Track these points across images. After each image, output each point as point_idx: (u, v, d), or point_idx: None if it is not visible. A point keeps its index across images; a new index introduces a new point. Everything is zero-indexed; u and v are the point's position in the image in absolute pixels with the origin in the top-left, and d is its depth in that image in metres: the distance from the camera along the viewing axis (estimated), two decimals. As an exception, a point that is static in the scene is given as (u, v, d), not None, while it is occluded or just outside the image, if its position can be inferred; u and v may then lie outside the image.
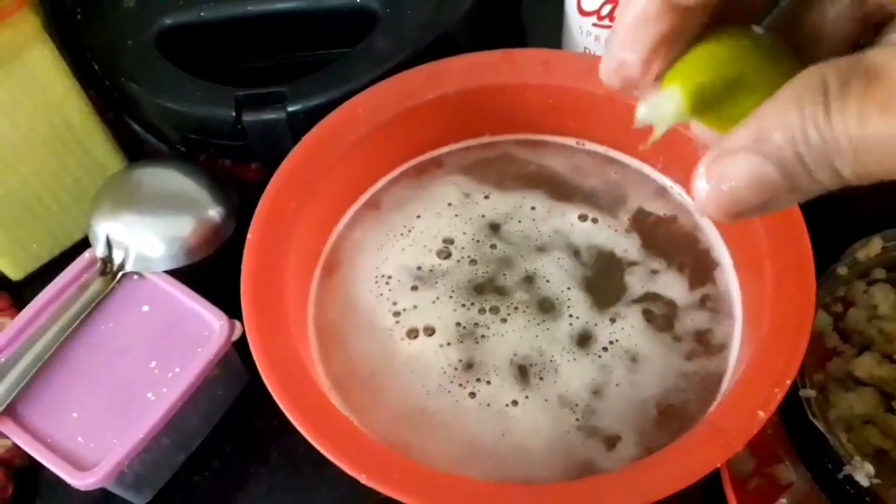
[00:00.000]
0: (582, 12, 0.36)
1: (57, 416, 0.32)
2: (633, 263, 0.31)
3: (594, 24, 0.36)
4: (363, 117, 0.32)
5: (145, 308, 0.35)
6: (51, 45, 0.36)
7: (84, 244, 0.38)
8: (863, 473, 0.28)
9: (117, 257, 0.36)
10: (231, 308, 0.34)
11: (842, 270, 0.34)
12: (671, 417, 0.27)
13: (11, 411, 0.32)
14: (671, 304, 0.30)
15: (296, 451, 0.36)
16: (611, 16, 0.35)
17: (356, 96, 0.32)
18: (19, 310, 0.39)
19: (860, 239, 0.34)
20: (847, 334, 0.34)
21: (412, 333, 0.30)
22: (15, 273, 0.41)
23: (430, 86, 0.33)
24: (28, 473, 0.35)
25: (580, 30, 0.36)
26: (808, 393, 0.30)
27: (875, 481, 0.28)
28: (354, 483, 0.24)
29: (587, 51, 0.37)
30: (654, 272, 0.31)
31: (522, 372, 0.29)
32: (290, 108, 0.35)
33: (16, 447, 0.32)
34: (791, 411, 0.29)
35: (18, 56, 0.35)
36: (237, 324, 0.34)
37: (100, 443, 0.31)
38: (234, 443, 0.37)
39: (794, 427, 0.29)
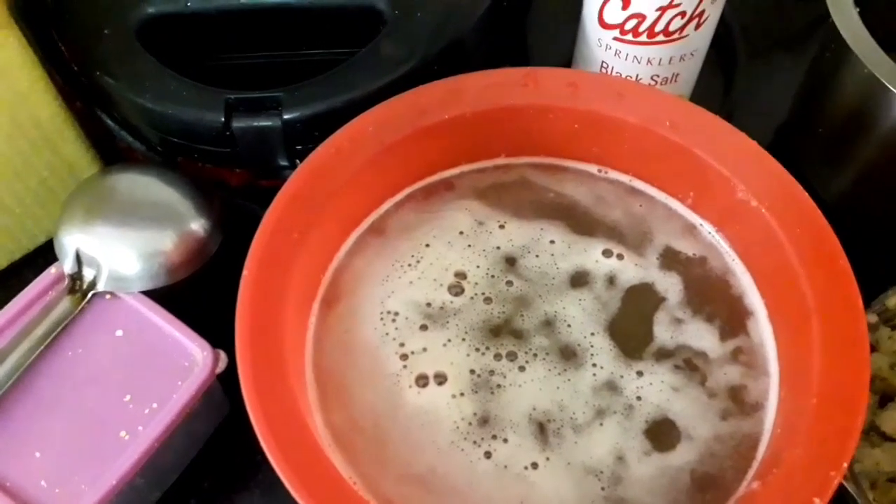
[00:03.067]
0: (603, 24, 0.33)
1: (16, 456, 0.29)
2: (661, 307, 0.29)
3: (615, 38, 0.33)
4: (372, 136, 0.29)
5: (119, 333, 0.31)
6: (16, 32, 0.32)
7: (47, 248, 0.34)
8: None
9: (88, 274, 0.32)
10: (215, 335, 0.31)
11: (871, 318, 0.32)
12: (706, 487, 0.25)
13: (-36, 449, 0.28)
14: (703, 356, 0.28)
15: (280, 487, 0.33)
16: (635, 31, 0.32)
17: (365, 113, 0.29)
18: (-26, 320, 0.36)
19: (892, 287, 0.32)
20: (872, 381, 0.33)
21: (421, 380, 0.27)
22: (-31, 279, 0.37)
23: (447, 104, 0.30)
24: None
25: (599, 43, 0.34)
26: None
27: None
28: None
29: (605, 65, 0.34)
30: (684, 318, 0.29)
31: (541, 429, 0.26)
32: (285, 116, 0.32)
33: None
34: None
35: (-21, 44, 0.31)
36: (222, 354, 0.31)
37: (66, 488, 0.28)
38: (213, 478, 0.34)
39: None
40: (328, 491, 0.23)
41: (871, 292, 0.33)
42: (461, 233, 0.31)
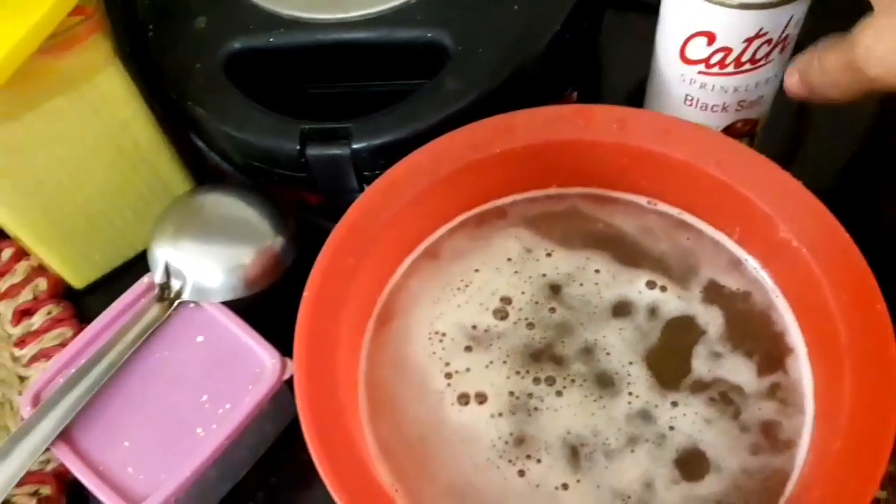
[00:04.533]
0: (686, 61, 0.33)
1: (110, 444, 0.32)
2: (701, 340, 0.30)
3: (700, 73, 0.33)
4: (426, 169, 0.31)
5: (200, 339, 0.35)
6: (121, 69, 0.36)
7: (144, 255, 0.38)
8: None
9: (175, 285, 0.36)
10: (284, 343, 0.34)
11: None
12: (730, 520, 0.26)
13: (66, 435, 0.32)
14: (738, 390, 0.29)
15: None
16: (721, 63, 0.33)
17: (420, 149, 0.31)
18: (80, 320, 0.41)
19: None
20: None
21: (463, 399, 0.29)
22: (77, 282, 0.42)
23: (498, 140, 0.31)
24: (79, 487, 0.36)
25: (682, 78, 0.34)
26: (879, 494, 0.28)
27: None
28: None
29: (689, 98, 0.35)
30: (723, 352, 0.30)
31: (574, 452, 0.28)
32: (354, 145, 0.35)
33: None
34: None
35: (89, 79, 0.35)
36: (289, 362, 0.34)
37: (148, 475, 0.32)
38: (279, 474, 0.37)
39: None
40: (368, 496, 0.25)
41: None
42: (509, 259, 0.32)
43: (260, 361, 0.34)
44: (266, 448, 0.37)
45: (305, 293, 0.28)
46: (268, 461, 0.37)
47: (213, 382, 0.34)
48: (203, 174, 0.42)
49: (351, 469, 0.25)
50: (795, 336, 0.29)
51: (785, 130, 0.42)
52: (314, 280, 0.28)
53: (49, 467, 0.36)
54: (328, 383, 0.27)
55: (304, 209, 0.40)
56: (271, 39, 0.38)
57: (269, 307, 0.36)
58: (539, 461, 0.28)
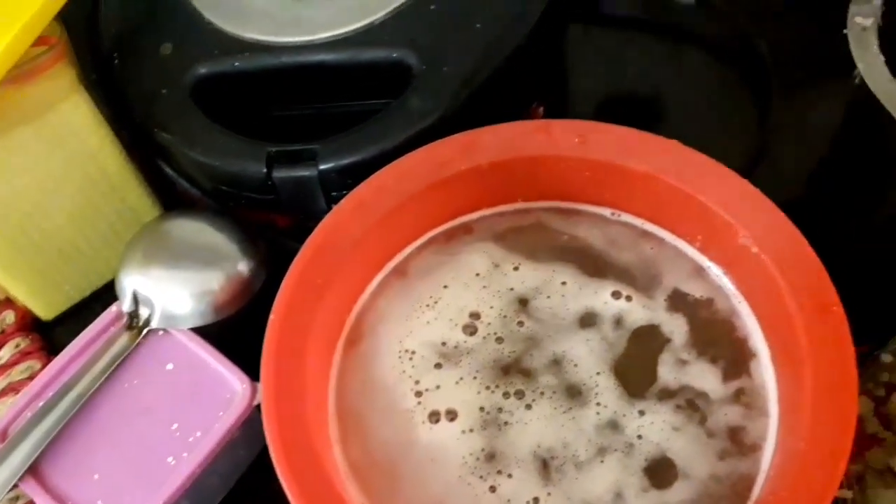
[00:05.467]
0: None
1: (79, 477, 0.32)
2: (666, 348, 0.30)
3: None
4: (393, 189, 0.31)
5: (169, 366, 0.35)
6: (86, 97, 0.36)
7: (114, 284, 0.38)
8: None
9: (143, 313, 0.36)
10: (254, 368, 0.33)
11: (886, 358, 0.32)
12: (700, 526, 0.26)
13: (34, 470, 0.32)
14: (704, 397, 0.29)
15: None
16: None
17: (385, 168, 0.31)
18: (49, 351, 0.40)
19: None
20: (889, 421, 0.33)
21: (434, 417, 0.29)
22: (46, 313, 0.42)
23: (463, 157, 0.32)
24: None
25: None
26: (846, 494, 0.29)
27: None
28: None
29: None
30: (689, 359, 0.30)
31: (545, 465, 0.28)
32: (321, 166, 0.35)
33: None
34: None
35: (53, 108, 0.35)
36: (259, 387, 0.34)
37: (118, 507, 0.31)
38: (253, 502, 0.36)
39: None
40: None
41: (890, 332, 0.33)
42: (478, 274, 0.33)
43: (230, 387, 0.34)
44: (240, 475, 0.36)
45: (272, 315, 0.28)
46: (242, 488, 0.36)
47: (184, 410, 0.33)
48: (173, 200, 0.42)
49: (320, 492, 0.25)
50: (758, 341, 0.30)
51: (748, 139, 0.43)
52: (281, 302, 0.28)
53: None
54: (296, 406, 0.27)
55: (274, 232, 0.40)
56: (236, 64, 0.38)
57: (239, 332, 0.36)
58: (510, 476, 0.28)
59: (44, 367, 0.36)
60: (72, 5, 0.34)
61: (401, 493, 0.28)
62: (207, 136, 0.37)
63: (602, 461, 0.28)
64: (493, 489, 0.28)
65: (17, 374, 0.39)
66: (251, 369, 0.34)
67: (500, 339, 0.31)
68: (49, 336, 0.41)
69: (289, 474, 0.25)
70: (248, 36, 0.39)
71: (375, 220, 0.31)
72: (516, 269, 0.33)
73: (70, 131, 0.36)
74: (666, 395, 0.29)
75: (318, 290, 0.29)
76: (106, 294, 0.41)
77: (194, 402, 0.33)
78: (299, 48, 0.38)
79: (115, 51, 0.40)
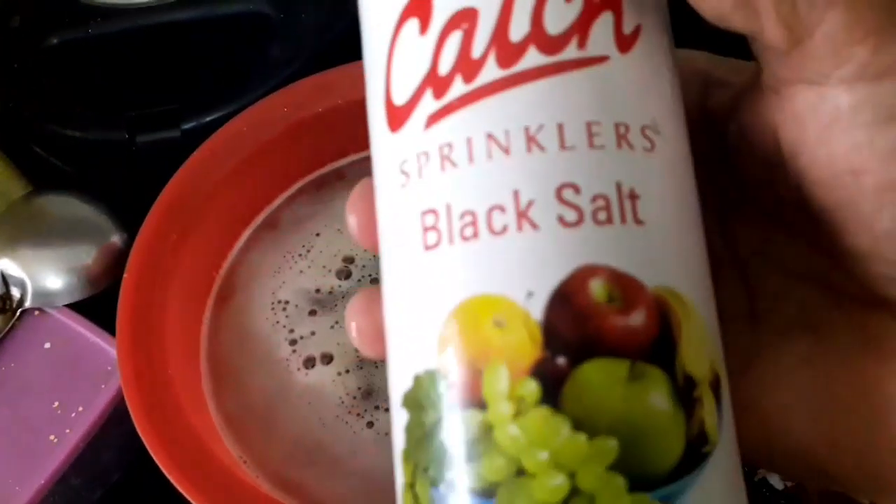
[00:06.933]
0: None
1: (-44, 465, 0.31)
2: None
3: None
4: (247, 136, 0.30)
5: (47, 345, 0.34)
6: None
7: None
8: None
9: (15, 293, 0.34)
10: (137, 338, 0.33)
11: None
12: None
13: None
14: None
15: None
16: None
17: (237, 116, 0.31)
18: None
19: None
20: None
21: (309, 363, 0.29)
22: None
23: (318, 98, 0.31)
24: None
25: None
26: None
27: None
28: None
29: None
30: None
31: (421, 396, 0.28)
32: (184, 126, 0.34)
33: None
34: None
35: None
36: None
37: (3, 489, 0.31)
38: (158, 472, 0.36)
39: None
40: (207, 473, 0.24)
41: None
42: (350, 219, 0.32)
43: (110, 359, 0.33)
44: (138, 449, 0.35)
45: (125, 275, 0.28)
46: (145, 462, 0.36)
47: (64, 387, 0.32)
48: (47, 181, 0.41)
49: (185, 444, 0.25)
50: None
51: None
52: (133, 261, 0.28)
53: None
54: (157, 365, 0.26)
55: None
56: (90, 30, 0.37)
57: (116, 304, 0.35)
58: (387, 410, 0.28)
59: (-83, 361, 0.35)
60: None
61: (277, 439, 0.27)
62: (64, 108, 0.35)
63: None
64: (370, 424, 0.27)
65: None
66: (132, 340, 0.33)
67: (374, 280, 0.31)
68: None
69: (150, 433, 0.25)
70: (99, 0, 0.37)
71: (231, 169, 0.30)
72: (388, 209, 0.32)
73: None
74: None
75: (174, 246, 0.28)
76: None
77: (74, 378, 0.32)
78: (153, 9, 0.37)
79: (-37, 27, 0.38)
